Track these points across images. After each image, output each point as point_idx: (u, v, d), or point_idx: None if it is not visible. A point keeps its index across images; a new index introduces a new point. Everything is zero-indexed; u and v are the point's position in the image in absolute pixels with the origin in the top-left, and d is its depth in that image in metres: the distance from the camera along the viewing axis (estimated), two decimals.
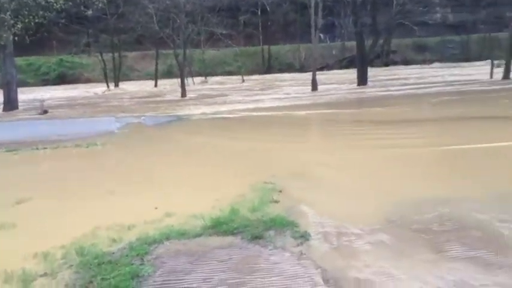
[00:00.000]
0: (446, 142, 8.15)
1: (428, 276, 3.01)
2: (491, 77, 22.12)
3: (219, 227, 4.05)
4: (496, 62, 23.55)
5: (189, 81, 29.49)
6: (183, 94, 21.74)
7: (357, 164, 6.81)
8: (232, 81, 31.88)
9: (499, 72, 21.90)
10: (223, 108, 15.98)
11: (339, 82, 25.63)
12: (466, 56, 40.83)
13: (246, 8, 40.46)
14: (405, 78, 25.99)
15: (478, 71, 25.96)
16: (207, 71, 36.30)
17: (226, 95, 21.31)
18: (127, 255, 3.51)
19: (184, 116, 14.33)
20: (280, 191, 5.19)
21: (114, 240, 3.87)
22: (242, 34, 41.26)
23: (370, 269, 3.15)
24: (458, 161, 6.81)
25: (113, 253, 3.60)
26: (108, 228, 4.16)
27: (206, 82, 33.36)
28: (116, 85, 32.07)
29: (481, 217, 4.07)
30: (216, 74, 37.78)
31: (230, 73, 38.09)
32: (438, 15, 46.77)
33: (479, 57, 37.62)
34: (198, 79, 33.56)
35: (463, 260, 3.26)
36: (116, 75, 33.03)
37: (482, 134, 8.91)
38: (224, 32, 30.56)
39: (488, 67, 23.31)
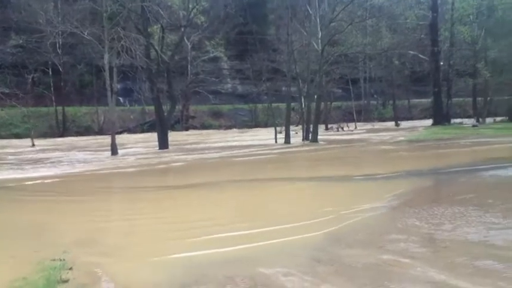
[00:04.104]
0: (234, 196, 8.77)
1: None
2: (276, 141, 25.10)
3: None
4: (278, 128, 27.01)
5: None
6: None
7: (147, 228, 6.74)
8: (19, 145, 28.48)
9: (281, 138, 25.11)
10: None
11: (141, 146, 25.48)
12: (255, 122, 45.87)
13: (34, 67, 37.48)
14: (204, 142, 27.42)
15: (266, 136, 29.18)
16: None
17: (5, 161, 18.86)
18: None
19: None
20: (71, 268, 4.69)
21: None
22: (31, 94, 37.84)
23: None
24: (240, 211, 7.37)
25: None
26: None
27: None
28: None
29: (267, 272, 4.43)
30: (1, 137, 33.40)
31: (18, 136, 34.15)
32: (229, 85, 52.05)
33: (265, 124, 42.69)
34: None
35: None
36: None
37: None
38: (7, 91, 27.57)
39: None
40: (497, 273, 4.36)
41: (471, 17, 42.02)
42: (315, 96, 27.58)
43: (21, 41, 34.58)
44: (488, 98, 41.27)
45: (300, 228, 6.36)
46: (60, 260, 4.98)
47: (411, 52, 36.69)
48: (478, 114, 40.86)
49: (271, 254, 5.13)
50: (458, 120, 39.87)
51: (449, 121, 37.72)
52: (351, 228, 6.19)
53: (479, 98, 43.01)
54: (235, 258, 5.01)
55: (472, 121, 38.46)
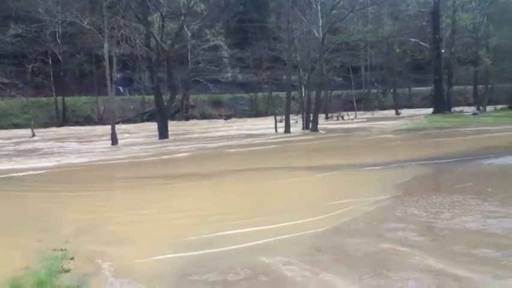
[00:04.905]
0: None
1: None
2: (276, 131, 25.09)
3: None
4: (278, 117, 26.96)
5: None
6: None
7: (147, 219, 6.79)
8: (19, 135, 28.48)
9: (282, 127, 25.08)
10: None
11: (140, 136, 25.50)
12: (255, 111, 45.78)
13: (34, 56, 37.34)
14: (204, 132, 27.44)
15: (266, 126, 29.16)
16: None
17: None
18: None
19: None
20: (72, 258, 4.73)
21: None
22: (31, 84, 37.78)
23: None
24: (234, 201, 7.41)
25: None
26: None
27: None
28: None
29: (268, 261, 4.48)
30: (0, 127, 33.40)
31: (18, 126, 34.16)
32: (229, 74, 51.85)
33: (266, 113, 42.66)
34: None
35: None
36: None
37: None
38: (7, 81, 27.47)
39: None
40: (496, 261, 4.40)
41: (473, 3, 41.70)
42: (318, 85, 27.50)
43: (20, 31, 34.38)
44: (489, 86, 41.13)
45: (300, 219, 6.37)
46: (62, 250, 5.03)
47: (412, 39, 36.50)
48: (479, 102, 40.73)
49: (272, 243, 5.17)
50: (458, 109, 39.79)
51: (449, 109, 37.65)
52: (351, 218, 6.22)
53: (480, 86, 42.84)
54: (236, 248, 5.05)
55: (472, 109, 38.40)
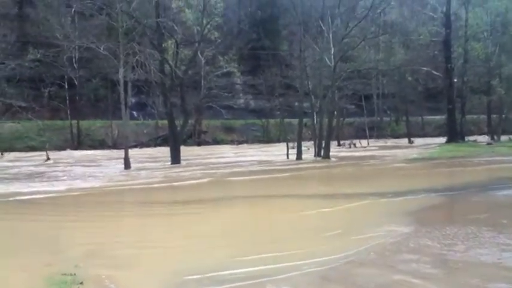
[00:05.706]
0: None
1: None
2: (287, 157, 25.04)
3: None
4: (290, 144, 26.95)
5: None
6: None
7: (157, 244, 6.75)
8: (34, 157, 28.84)
9: (293, 153, 25.02)
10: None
11: (153, 160, 25.62)
12: (267, 138, 45.92)
13: (51, 81, 38.21)
14: (216, 157, 27.47)
15: (278, 152, 29.10)
16: (3, 146, 32.33)
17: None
18: None
19: None
20: (82, 283, 4.71)
21: None
22: (47, 107, 38.52)
23: None
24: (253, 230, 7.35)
25: None
26: None
27: (2, 157, 29.62)
28: None
29: None
30: (16, 149, 33.89)
31: (33, 148, 34.64)
32: (242, 100, 52.36)
33: (278, 139, 42.76)
34: None
35: None
36: None
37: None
38: (24, 104, 28.07)
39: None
40: None
41: (485, 33, 41.82)
42: (334, 112, 27.53)
43: (38, 55, 35.22)
44: (503, 116, 40.80)
45: (312, 252, 6.28)
46: (71, 274, 5.02)
47: (424, 68, 36.62)
48: (493, 131, 40.34)
49: (281, 272, 5.10)
50: (472, 138, 39.41)
51: (463, 139, 37.26)
52: (362, 248, 6.12)
53: (494, 115, 42.49)
54: (245, 277, 4.98)
55: (486, 139, 38.00)
